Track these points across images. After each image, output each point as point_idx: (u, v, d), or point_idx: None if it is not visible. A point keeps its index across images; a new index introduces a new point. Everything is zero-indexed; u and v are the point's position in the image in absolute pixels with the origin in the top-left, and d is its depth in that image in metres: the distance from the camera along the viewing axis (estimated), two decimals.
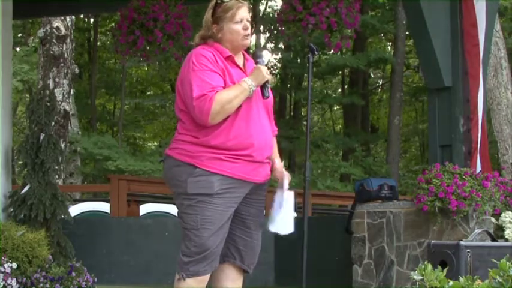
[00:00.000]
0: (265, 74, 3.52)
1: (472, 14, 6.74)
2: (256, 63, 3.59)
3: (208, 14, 3.59)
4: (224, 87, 3.45)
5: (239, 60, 3.62)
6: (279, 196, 3.62)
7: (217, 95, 3.39)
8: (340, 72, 23.22)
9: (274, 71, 22.81)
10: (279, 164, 3.69)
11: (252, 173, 3.49)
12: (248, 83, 3.47)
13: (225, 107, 3.40)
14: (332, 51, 21.02)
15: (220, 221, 3.44)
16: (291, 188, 3.71)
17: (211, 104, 3.37)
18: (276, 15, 7.91)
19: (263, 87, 3.54)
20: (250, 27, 3.59)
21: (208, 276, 3.52)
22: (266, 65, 3.61)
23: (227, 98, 3.41)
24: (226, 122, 3.45)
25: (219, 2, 3.58)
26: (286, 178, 3.65)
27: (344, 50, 22.61)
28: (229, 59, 3.55)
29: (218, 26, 3.57)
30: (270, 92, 3.63)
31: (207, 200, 3.42)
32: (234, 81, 3.49)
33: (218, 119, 3.42)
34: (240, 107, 3.47)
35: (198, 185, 3.42)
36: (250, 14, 3.65)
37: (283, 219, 3.60)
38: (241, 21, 3.55)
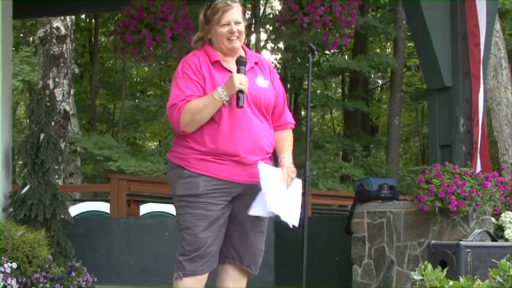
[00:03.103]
0: (237, 84, 3.41)
1: (474, 13, 6.75)
2: (238, 70, 3.50)
3: (201, 15, 3.60)
4: (203, 95, 3.45)
5: (233, 62, 3.56)
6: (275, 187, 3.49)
7: (187, 105, 3.41)
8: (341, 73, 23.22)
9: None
10: (287, 160, 3.64)
11: (241, 174, 3.50)
12: (219, 92, 3.43)
13: (195, 117, 3.41)
14: (333, 53, 21.14)
15: (209, 217, 3.46)
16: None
17: (179, 113, 3.41)
18: (275, 15, 7.92)
19: (237, 96, 3.44)
20: (237, 30, 3.54)
21: (205, 276, 3.53)
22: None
23: (196, 108, 3.41)
24: (211, 129, 3.46)
25: (209, 3, 3.57)
26: (294, 178, 3.56)
27: (344, 50, 22.63)
28: (217, 63, 3.54)
29: (208, 27, 3.58)
30: (268, 95, 3.58)
31: (194, 200, 3.46)
32: (216, 87, 3.46)
33: (191, 128, 3.44)
34: (222, 114, 3.45)
35: (185, 186, 3.47)
36: (242, 15, 3.59)
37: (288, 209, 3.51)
38: (228, 24, 3.52)
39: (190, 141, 3.49)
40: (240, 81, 3.42)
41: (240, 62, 3.52)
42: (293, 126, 3.81)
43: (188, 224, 3.47)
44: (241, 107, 3.46)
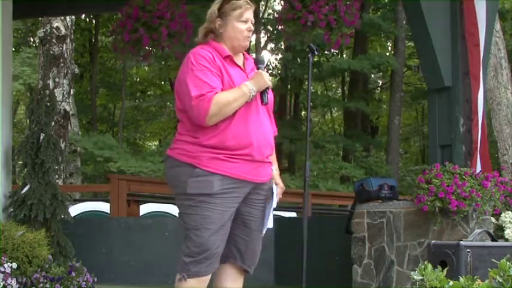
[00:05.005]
0: (267, 80, 3.51)
1: (472, 13, 6.75)
2: (258, 68, 3.58)
3: (214, 7, 3.58)
4: (222, 89, 3.44)
5: (238, 59, 3.61)
6: (268, 204, 3.65)
7: (216, 97, 3.38)
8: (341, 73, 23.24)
9: (274, 72, 22.85)
10: (275, 172, 3.70)
11: (252, 172, 3.49)
12: (249, 87, 3.46)
13: (223, 109, 3.39)
14: (334, 53, 21.15)
15: (220, 220, 3.44)
16: (290, 188, 3.74)
17: (209, 104, 3.36)
18: (276, 15, 7.93)
19: (262, 92, 3.53)
20: (253, 30, 3.61)
21: (209, 276, 3.52)
22: (267, 69, 3.62)
23: (226, 100, 3.39)
24: (225, 122, 3.43)
25: None
26: (280, 189, 3.70)
27: (344, 49, 22.63)
28: (228, 58, 3.55)
29: (222, 21, 3.57)
30: (270, 96, 3.63)
31: (206, 200, 3.41)
32: (233, 81, 3.48)
33: (215, 121, 3.40)
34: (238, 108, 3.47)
35: (198, 185, 3.41)
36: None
37: (268, 224, 3.68)
38: (247, 21, 3.57)
39: (200, 136, 3.44)
40: (268, 78, 3.53)
41: (259, 61, 3.61)
42: (276, 134, 3.83)
43: (198, 226, 3.42)
44: (267, 103, 3.55)
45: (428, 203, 6.23)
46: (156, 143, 26.48)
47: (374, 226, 6.82)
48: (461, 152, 6.63)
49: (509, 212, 6.42)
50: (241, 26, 3.55)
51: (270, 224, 3.66)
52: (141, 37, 6.75)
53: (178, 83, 3.52)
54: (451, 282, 2.87)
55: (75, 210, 9.82)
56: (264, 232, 3.67)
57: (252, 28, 3.60)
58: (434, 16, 6.66)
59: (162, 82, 24.86)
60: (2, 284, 5.33)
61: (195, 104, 3.38)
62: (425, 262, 3.02)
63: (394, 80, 19.89)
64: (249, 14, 3.58)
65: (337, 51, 21.04)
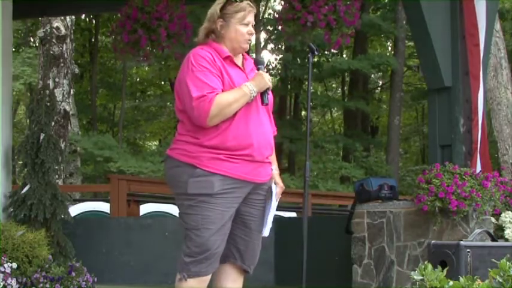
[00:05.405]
0: (268, 81, 3.52)
1: (472, 13, 6.75)
2: (258, 69, 3.59)
3: (216, 8, 3.58)
4: (223, 90, 3.45)
5: (238, 59, 3.62)
6: (268, 204, 3.64)
7: (217, 97, 3.38)
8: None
9: (274, 72, 22.85)
10: (275, 171, 3.71)
11: (253, 172, 3.49)
12: (250, 88, 3.46)
13: (224, 110, 3.40)
14: (334, 53, 21.14)
15: (220, 220, 3.44)
16: (290, 188, 3.73)
17: (210, 105, 3.37)
18: (276, 15, 7.94)
19: (263, 93, 3.54)
20: (253, 33, 3.62)
21: (209, 276, 3.53)
22: (266, 70, 3.62)
23: (227, 101, 3.40)
24: (225, 122, 3.44)
25: None
26: (279, 189, 3.69)
27: (343, 49, 22.62)
28: (228, 59, 3.55)
29: (224, 22, 3.57)
30: (270, 97, 3.63)
31: (207, 200, 3.42)
32: (233, 81, 3.49)
33: (216, 121, 3.41)
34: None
35: (199, 185, 3.42)
36: None
37: (268, 224, 3.67)
38: (248, 24, 3.58)
39: (200, 137, 3.44)
40: (269, 78, 3.54)
41: (259, 62, 3.62)
42: (276, 134, 3.83)
43: (198, 226, 3.43)
44: (267, 104, 3.56)
45: (428, 203, 6.23)
46: (156, 143, 26.49)
47: (374, 226, 6.82)
48: (461, 152, 6.63)
49: (509, 212, 6.43)
50: (243, 29, 3.56)
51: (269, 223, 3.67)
52: (140, 38, 6.75)
53: (179, 83, 3.52)
54: (451, 282, 2.88)
55: (75, 210, 9.82)
56: (267, 232, 3.66)
57: (253, 31, 3.61)
58: (434, 16, 6.66)
59: (162, 82, 24.85)
60: (2, 284, 5.32)
61: (195, 105, 3.38)
62: (425, 262, 3.02)
63: (394, 80, 19.89)
64: (251, 17, 3.58)
65: (337, 51, 21.02)
